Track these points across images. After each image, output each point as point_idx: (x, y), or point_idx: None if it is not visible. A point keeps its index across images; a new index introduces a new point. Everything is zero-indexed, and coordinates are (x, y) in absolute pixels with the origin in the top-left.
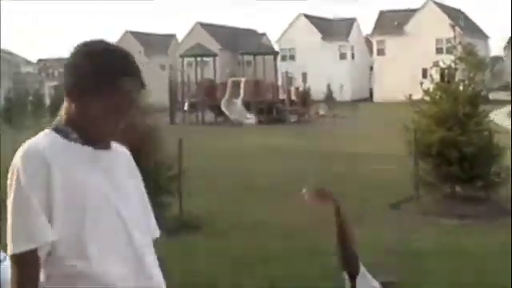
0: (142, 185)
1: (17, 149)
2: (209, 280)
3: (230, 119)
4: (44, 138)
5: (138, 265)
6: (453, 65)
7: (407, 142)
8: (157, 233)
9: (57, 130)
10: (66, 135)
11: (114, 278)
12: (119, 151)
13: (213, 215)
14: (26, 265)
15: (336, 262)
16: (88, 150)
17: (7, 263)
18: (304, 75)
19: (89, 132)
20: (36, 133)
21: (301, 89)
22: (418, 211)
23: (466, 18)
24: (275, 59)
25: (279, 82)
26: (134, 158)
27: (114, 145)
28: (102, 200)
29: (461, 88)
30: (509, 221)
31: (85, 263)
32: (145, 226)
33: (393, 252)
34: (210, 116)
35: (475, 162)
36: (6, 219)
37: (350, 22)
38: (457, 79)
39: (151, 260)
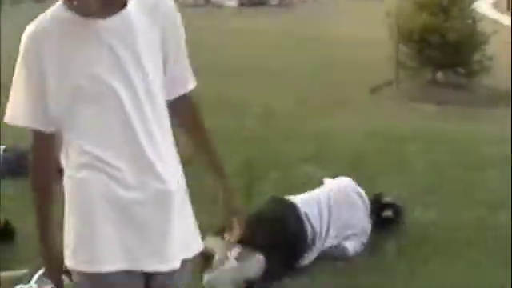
0: (173, 37)
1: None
2: None
3: (211, 1)
4: (50, 13)
5: (143, 168)
6: None
7: (389, 27)
8: (187, 87)
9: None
10: (68, 6)
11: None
12: (134, 11)
13: (197, 95)
14: (33, 139)
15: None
16: (86, 21)
17: None
18: None
19: None
20: (15, 18)
21: None
22: (397, 96)
23: None
24: None
25: None
26: None
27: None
28: (97, 82)
29: None
30: (487, 109)
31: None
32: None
33: (372, 137)
34: None
35: (458, 49)
36: None
37: None
38: None
39: (165, 167)
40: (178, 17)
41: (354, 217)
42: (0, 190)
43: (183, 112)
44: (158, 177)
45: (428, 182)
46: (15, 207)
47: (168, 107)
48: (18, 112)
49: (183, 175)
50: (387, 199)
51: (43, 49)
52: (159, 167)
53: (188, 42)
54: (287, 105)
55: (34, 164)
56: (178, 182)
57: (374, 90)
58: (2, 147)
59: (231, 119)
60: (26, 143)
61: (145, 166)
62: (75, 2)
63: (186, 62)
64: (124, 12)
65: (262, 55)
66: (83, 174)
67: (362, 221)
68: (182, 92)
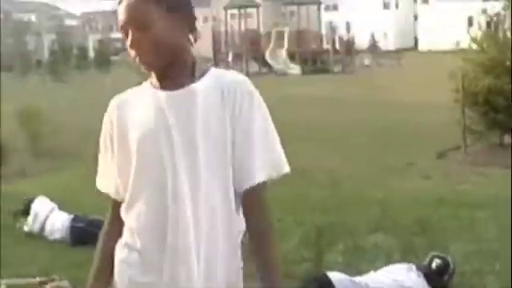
0: (241, 125)
1: (60, 100)
2: None
3: (274, 70)
4: (140, 86)
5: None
6: (502, 11)
7: (454, 90)
8: (252, 180)
9: None
10: (151, 82)
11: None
12: (203, 88)
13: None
14: (110, 206)
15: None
16: (154, 92)
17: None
18: (347, 25)
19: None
20: (78, 86)
21: (344, 38)
22: (465, 161)
23: None
24: (319, 9)
25: (323, 32)
26: None
27: (206, 82)
28: (148, 145)
29: (509, 35)
30: None
31: (130, 223)
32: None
33: (440, 203)
34: (254, 66)
35: None
36: None
37: None
38: (505, 26)
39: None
40: (253, 104)
41: None
42: (69, 257)
43: (246, 207)
44: (188, 271)
45: (498, 249)
46: (83, 275)
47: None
48: (100, 179)
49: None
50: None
51: (118, 117)
52: (197, 262)
53: None
54: (352, 170)
55: (105, 229)
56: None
57: (441, 155)
58: (72, 216)
59: (296, 187)
60: (95, 213)
61: (181, 259)
62: (152, 81)
63: (254, 154)
64: (191, 87)
65: (326, 121)
66: (120, 255)
67: None
68: (246, 185)
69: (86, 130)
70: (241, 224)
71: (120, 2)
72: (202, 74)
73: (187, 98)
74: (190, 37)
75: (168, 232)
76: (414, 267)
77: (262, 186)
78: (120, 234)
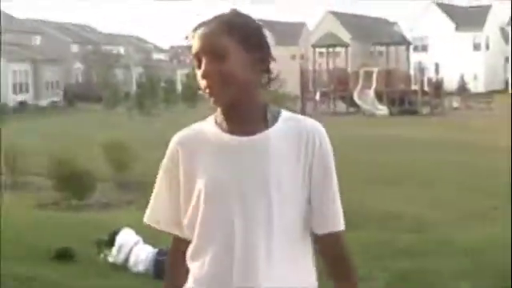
0: (316, 176)
1: (147, 133)
2: None
3: (362, 110)
4: (200, 124)
5: None
6: None
7: None
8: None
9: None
10: (215, 122)
11: None
12: (277, 135)
13: (343, 206)
14: (172, 244)
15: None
16: (225, 137)
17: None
18: (436, 66)
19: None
20: (165, 119)
21: (433, 80)
22: None
23: None
24: (408, 49)
25: (411, 73)
26: None
27: (279, 127)
28: (217, 195)
29: None
30: None
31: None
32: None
33: None
34: (341, 106)
35: None
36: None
37: (485, 11)
38: None
39: None
40: (328, 152)
41: None
42: None
43: (328, 254)
44: None
45: None
46: None
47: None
48: (157, 215)
49: None
50: None
51: (183, 156)
52: None
53: (338, 149)
54: (438, 215)
55: (169, 268)
56: None
57: None
58: (156, 250)
59: (382, 231)
60: None
61: None
62: (218, 119)
63: (330, 203)
64: (264, 134)
65: (413, 163)
66: None
67: None
68: (327, 231)
69: None
70: (313, 276)
71: (195, 30)
72: (275, 118)
73: (259, 146)
74: (264, 77)
75: (234, 283)
76: None
77: (343, 232)
78: (185, 274)
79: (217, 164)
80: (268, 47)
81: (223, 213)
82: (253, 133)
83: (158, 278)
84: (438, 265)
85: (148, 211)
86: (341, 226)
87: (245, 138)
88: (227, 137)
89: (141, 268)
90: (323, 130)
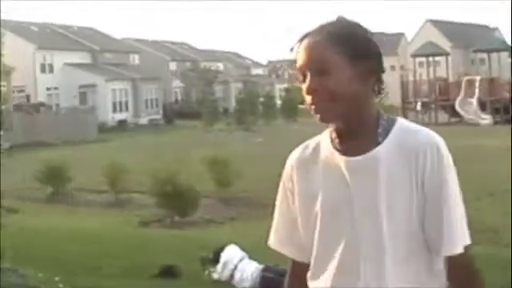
0: (430, 195)
1: (247, 149)
2: None
3: (465, 119)
4: (314, 141)
5: None
6: None
7: None
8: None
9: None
10: (330, 136)
11: None
12: (387, 153)
13: None
14: (290, 266)
15: None
16: (336, 156)
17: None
18: None
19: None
20: (265, 135)
21: None
22: None
23: None
24: (510, 56)
25: None
26: None
27: (391, 142)
28: (331, 217)
29: None
30: None
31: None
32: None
33: None
34: (443, 116)
35: None
36: None
37: None
38: None
39: None
40: (443, 166)
41: None
42: None
43: (455, 277)
44: None
45: None
46: None
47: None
48: (276, 237)
49: None
50: None
51: (298, 176)
52: None
53: None
54: None
55: None
56: None
57: None
58: (262, 266)
59: (483, 246)
60: (285, 263)
61: None
62: (332, 135)
63: (444, 222)
64: (372, 154)
65: None
66: None
67: None
68: (441, 254)
69: (272, 180)
70: None
71: (300, 40)
72: (387, 131)
73: (368, 167)
74: (376, 88)
75: None
76: None
77: (466, 255)
78: None
79: (330, 185)
80: (378, 56)
81: (337, 236)
82: (363, 151)
83: None
84: None
85: (271, 234)
86: (458, 248)
87: (353, 159)
88: (338, 156)
89: (246, 284)
90: (438, 141)
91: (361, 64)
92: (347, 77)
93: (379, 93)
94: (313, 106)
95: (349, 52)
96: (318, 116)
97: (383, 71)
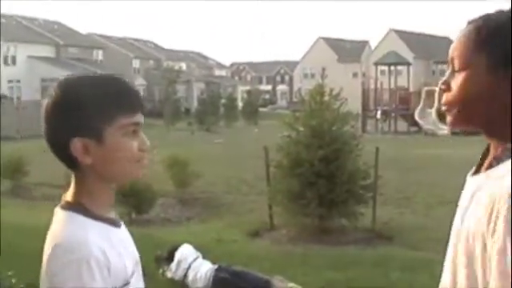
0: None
1: (207, 149)
2: None
3: (424, 129)
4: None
5: None
6: None
7: None
8: None
9: None
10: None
11: None
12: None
13: (407, 227)
14: None
15: None
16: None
17: None
18: None
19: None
20: (226, 136)
21: None
22: None
23: None
24: None
25: None
26: (330, 166)
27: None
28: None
29: None
30: None
31: None
32: None
33: None
34: (402, 125)
35: None
36: None
37: None
38: None
39: None
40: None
41: None
42: None
43: None
44: None
45: None
46: None
47: None
48: None
49: None
50: None
51: None
52: None
53: (398, 167)
54: None
55: None
56: None
57: None
58: (215, 266)
59: (440, 254)
60: (238, 264)
61: None
62: None
63: None
64: (477, 177)
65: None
66: None
67: None
68: None
69: (231, 181)
70: None
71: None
72: (501, 159)
73: (468, 191)
74: None
75: None
76: None
77: None
78: None
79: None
80: None
81: None
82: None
83: None
84: None
85: None
86: None
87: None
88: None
89: (200, 284)
90: None
91: (500, 73)
92: (484, 75)
93: None
94: (444, 106)
95: (491, 58)
96: (447, 119)
97: None
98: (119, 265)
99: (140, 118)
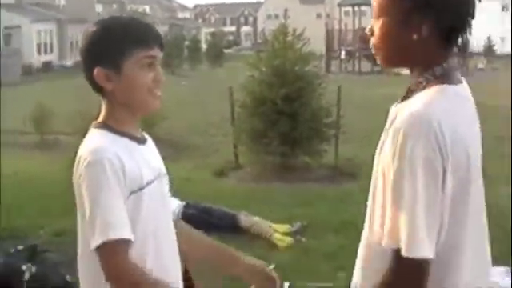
0: None
1: (171, 91)
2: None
3: (386, 69)
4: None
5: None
6: None
7: None
8: None
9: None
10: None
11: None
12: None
13: (369, 163)
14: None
15: None
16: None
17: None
18: None
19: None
20: (190, 78)
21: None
22: None
23: None
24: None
25: None
26: (293, 105)
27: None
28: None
29: None
30: None
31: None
32: None
33: None
34: (366, 65)
35: None
36: None
37: None
38: None
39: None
40: (399, 153)
41: None
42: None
43: None
44: None
45: None
46: None
47: None
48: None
49: None
50: None
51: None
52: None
53: (362, 107)
54: None
55: None
56: None
57: None
58: (183, 203)
59: None
60: (206, 201)
61: None
62: None
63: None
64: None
65: None
66: None
67: None
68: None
69: (196, 122)
70: None
71: None
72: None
73: (388, 121)
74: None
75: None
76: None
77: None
78: None
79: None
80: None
81: None
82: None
83: None
84: None
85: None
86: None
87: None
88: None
89: None
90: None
91: (416, 12)
92: (397, 20)
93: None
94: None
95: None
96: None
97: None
98: (135, 171)
99: (156, 52)
